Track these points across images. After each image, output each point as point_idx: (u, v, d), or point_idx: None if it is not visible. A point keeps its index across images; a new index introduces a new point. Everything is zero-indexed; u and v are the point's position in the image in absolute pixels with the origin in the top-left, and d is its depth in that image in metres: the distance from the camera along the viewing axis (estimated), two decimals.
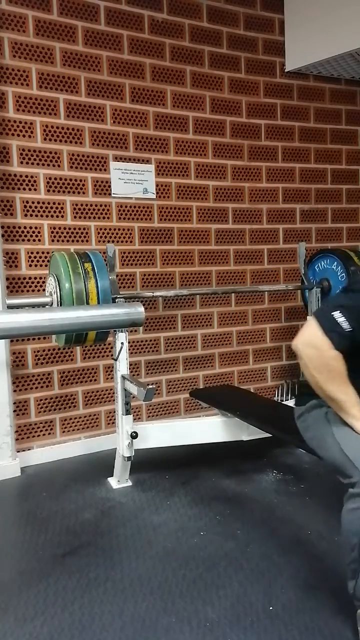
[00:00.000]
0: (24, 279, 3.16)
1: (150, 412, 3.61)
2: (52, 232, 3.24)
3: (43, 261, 3.19)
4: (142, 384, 2.51)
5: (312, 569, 2.05)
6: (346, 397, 1.66)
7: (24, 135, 3.13)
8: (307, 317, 3.51)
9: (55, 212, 3.24)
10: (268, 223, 3.97)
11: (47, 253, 3.15)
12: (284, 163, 3.99)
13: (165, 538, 2.30)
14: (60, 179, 3.25)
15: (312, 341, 1.67)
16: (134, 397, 2.64)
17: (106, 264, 2.76)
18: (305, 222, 4.06)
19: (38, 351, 3.23)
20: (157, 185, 3.55)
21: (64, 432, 3.33)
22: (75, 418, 3.37)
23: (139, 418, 3.54)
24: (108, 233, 3.42)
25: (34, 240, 3.19)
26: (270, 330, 3.99)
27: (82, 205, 3.32)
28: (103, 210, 3.40)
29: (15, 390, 3.14)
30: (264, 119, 3.90)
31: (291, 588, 1.93)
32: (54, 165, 3.23)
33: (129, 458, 2.72)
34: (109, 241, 3.36)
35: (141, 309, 2.64)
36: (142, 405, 3.56)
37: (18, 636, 1.72)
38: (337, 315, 1.64)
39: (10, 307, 2.82)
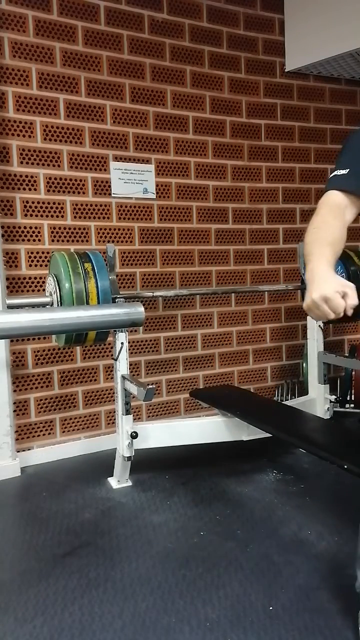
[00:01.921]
0: (24, 279, 3.16)
1: (150, 412, 3.61)
2: (52, 232, 3.24)
3: (43, 261, 3.19)
4: (142, 384, 2.51)
5: (312, 569, 2.05)
6: (315, 238, 1.44)
7: (24, 135, 3.13)
8: (307, 317, 3.52)
9: (55, 212, 3.24)
10: (268, 223, 3.97)
11: (47, 253, 3.15)
12: (284, 163, 3.99)
13: (165, 538, 2.30)
14: (60, 179, 3.25)
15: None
16: (134, 397, 2.64)
17: (106, 264, 2.76)
18: (305, 222, 4.03)
19: (38, 351, 3.23)
20: (157, 185, 3.55)
21: (64, 432, 3.33)
22: (75, 418, 3.37)
23: (139, 418, 3.54)
24: (108, 233, 3.42)
25: (34, 240, 3.19)
26: (270, 330, 3.99)
27: (82, 205, 3.32)
28: (103, 210, 3.40)
29: (15, 390, 3.14)
30: (264, 119, 3.90)
31: (291, 588, 1.93)
32: (54, 165, 3.23)
33: (129, 458, 2.72)
34: (109, 241, 3.36)
35: (141, 309, 2.64)
36: (142, 405, 3.56)
37: (18, 636, 1.72)
38: (333, 172, 1.55)
39: (10, 307, 2.82)
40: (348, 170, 1.50)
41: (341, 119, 4.14)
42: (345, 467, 2.07)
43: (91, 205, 3.36)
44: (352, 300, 1.28)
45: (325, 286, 1.29)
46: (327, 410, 3.41)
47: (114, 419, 3.05)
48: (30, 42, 3.11)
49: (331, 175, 1.53)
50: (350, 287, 1.29)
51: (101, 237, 3.39)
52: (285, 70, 3.92)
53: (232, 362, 3.88)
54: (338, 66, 3.82)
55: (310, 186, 4.07)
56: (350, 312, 1.30)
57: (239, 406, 2.96)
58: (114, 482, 2.85)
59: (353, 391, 3.81)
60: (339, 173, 1.52)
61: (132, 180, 3.46)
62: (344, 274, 3.40)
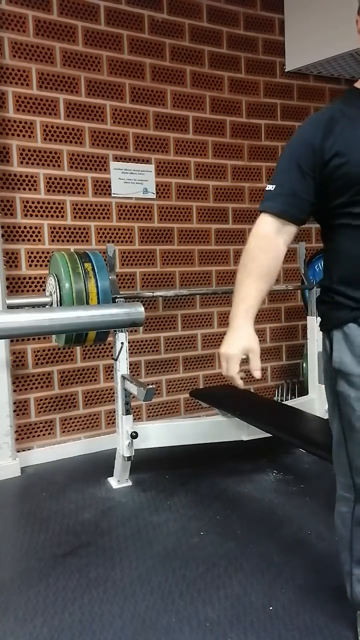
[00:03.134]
0: (24, 279, 3.16)
1: (150, 412, 3.61)
2: (52, 232, 3.24)
3: (43, 261, 3.19)
4: (142, 384, 2.51)
5: (312, 569, 2.05)
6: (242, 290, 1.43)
7: (24, 135, 3.13)
8: (307, 317, 3.52)
9: (55, 212, 3.24)
10: None
11: (47, 253, 3.15)
12: None
13: (165, 538, 2.30)
14: (60, 179, 3.25)
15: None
16: (134, 397, 2.64)
17: (106, 264, 2.76)
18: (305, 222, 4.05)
19: (38, 351, 3.23)
20: (157, 185, 3.55)
21: (64, 432, 3.33)
22: (75, 418, 3.37)
23: (139, 418, 3.54)
24: (108, 233, 3.42)
25: (34, 240, 3.19)
26: (270, 330, 3.99)
27: (82, 205, 3.32)
28: (103, 210, 3.40)
29: (15, 390, 3.14)
30: (264, 119, 3.90)
31: (291, 588, 1.93)
32: (54, 165, 3.23)
33: (129, 458, 2.72)
34: (109, 241, 3.36)
35: (141, 309, 2.64)
36: (142, 405, 3.56)
37: (18, 636, 1.72)
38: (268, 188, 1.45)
39: (10, 307, 2.82)
40: (274, 187, 1.42)
41: None
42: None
43: (91, 205, 3.36)
44: (253, 365, 1.39)
45: (232, 346, 1.39)
46: (327, 411, 3.41)
47: (114, 419, 3.05)
48: (30, 42, 3.11)
49: (266, 189, 1.45)
50: (253, 352, 1.37)
51: (101, 237, 3.39)
52: (285, 70, 3.93)
53: None
54: (338, 66, 3.82)
55: None
56: (256, 375, 1.38)
57: (239, 406, 2.96)
58: (114, 482, 2.85)
59: None
60: (269, 188, 1.44)
61: (132, 180, 3.46)
62: None
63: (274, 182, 1.44)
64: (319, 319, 1.55)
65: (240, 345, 1.39)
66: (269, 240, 1.43)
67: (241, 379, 1.45)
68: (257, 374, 1.38)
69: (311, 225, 4.10)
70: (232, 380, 1.41)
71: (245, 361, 1.41)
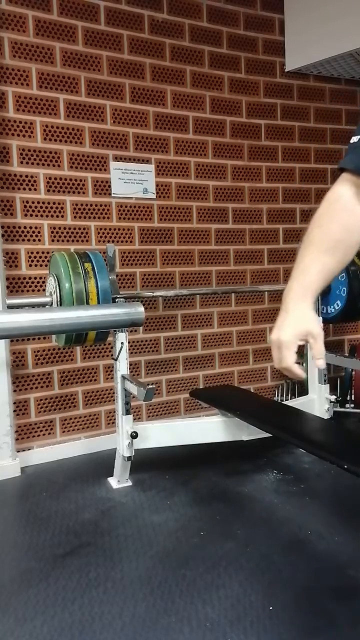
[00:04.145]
0: (24, 279, 3.16)
1: (150, 412, 3.61)
2: (52, 232, 3.24)
3: (43, 261, 3.19)
4: (142, 384, 2.51)
5: (312, 569, 2.05)
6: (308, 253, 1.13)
7: (24, 135, 3.13)
8: None
9: (55, 212, 3.24)
10: (268, 223, 3.97)
11: (47, 253, 3.15)
12: (284, 163, 3.99)
13: (165, 538, 2.30)
14: (60, 179, 3.25)
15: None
16: (134, 397, 2.64)
17: (106, 264, 2.76)
18: (305, 222, 4.04)
19: (38, 351, 3.23)
20: (157, 185, 3.55)
21: (64, 432, 3.33)
22: (75, 418, 3.37)
23: (139, 418, 3.54)
24: (108, 233, 3.42)
25: (34, 240, 3.19)
26: (270, 330, 3.98)
27: (82, 205, 3.32)
28: (103, 210, 3.40)
29: (15, 390, 3.14)
30: (264, 119, 3.90)
31: (291, 588, 1.93)
32: (54, 165, 3.23)
33: (129, 458, 2.72)
34: (109, 241, 3.36)
35: (141, 309, 2.64)
36: (142, 405, 3.56)
37: (18, 636, 1.72)
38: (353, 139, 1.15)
39: (10, 307, 2.82)
40: (359, 137, 1.12)
41: (341, 119, 4.14)
42: (345, 467, 2.07)
43: (91, 205, 3.36)
44: (316, 351, 1.09)
45: (286, 330, 1.10)
46: (327, 410, 3.41)
47: (114, 419, 3.05)
48: (30, 42, 3.11)
49: (350, 142, 1.15)
50: (314, 336, 1.09)
51: (101, 237, 3.39)
52: (285, 70, 3.92)
53: (232, 362, 3.88)
54: (338, 66, 3.82)
55: (310, 186, 4.07)
56: (320, 364, 1.10)
57: (239, 406, 2.96)
58: (114, 482, 2.85)
59: (353, 391, 3.81)
60: (353, 140, 1.14)
61: (132, 180, 3.46)
62: (343, 274, 3.40)
63: (358, 132, 1.13)
64: None
65: (296, 328, 1.10)
66: (342, 205, 1.11)
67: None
68: (321, 363, 1.10)
69: None
70: (289, 372, 1.12)
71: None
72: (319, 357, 1.09)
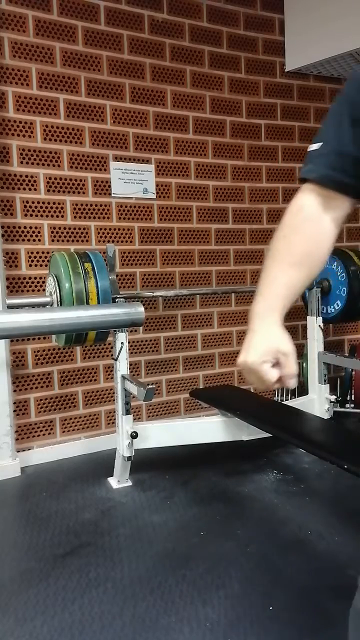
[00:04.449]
0: (24, 279, 3.16)
1: (150, 412, 3.61)
2: (52, 232, 3.24)
3: (43, 261, 3.19)
4: (142, 384, 2.51)
5: (312, 569, 2.05)
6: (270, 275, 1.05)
7: (24, 135, 3.13)
8: (307, 317, 3.52)
9: (55, 212, 3.24)
10: (268, 223, 3.97)
11: (47, 253, 3.15)
12: (284, 163, 3.99)
13: (165, 538, 2.30)
14: (60, 179, 3.25)
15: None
16: (134, 397, 2.64)
17: (106, 264, 2.76)
18: None
19: (38, 351, 3.23)
20: (157, 185, 3.55)
21: (64, 432, 3.33)
22: (75, 418, 3.37)
23: (139, 418, 3.54)
24: (108, 233, 3.42)
25: (34, 240, 3.19)
26: None
27: (82, 205, 3.32)
28: (103, 210, 3.40)
29: (15, 390, 3.14)
30: (264, 119, 3.90)
31: (291, 588, 1.93)
32: (54, 165, 3.23)
33: (129, 458, 2.72)
34: (109, 241, 3.36)
35: (141, 309, 2.64)
36: (142, 405, 3.56)
37: (18, 636, 1.72)
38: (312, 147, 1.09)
39: (10, 307, 2.82)
40: (319, 145, 1.06)
41: None
42: (345, 467, 2.07)
43: (91, 205, 3.36)
44: (287, 370, 1.00)
45: (252, 352, 1.01)
46: (327, 410, 3.41)
47: (114, 419, 3.05)
48: (30, 42, 3.11)
49: (309, 150, 1.09)
50: (285, 354, 1.00)
51: (101, 237, 3.39)
52: (285, 70, 3.92)
53: (232, 362, 3.87)
54: (338, 66, 3.82)
55: None
56: (290, 384, 1.01)
57: (239, 406, 2.96)
58: (114, 482, 2.85)
59: (353, 391, 3.80)
60: (312, 147, 1.08)
61: (132, 180, 3.46)
62: (344, 274, 3.40)
63: (318, 139, 1.08)
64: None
65: (264, 348, 1.02)
66: (306, 215, 1.06)
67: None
68: (291, 382, 1.01)
69: None
70: (269, 386, 1.03)
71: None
72: (290, 377, 1.01)
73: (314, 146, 1.07)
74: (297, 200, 1.08)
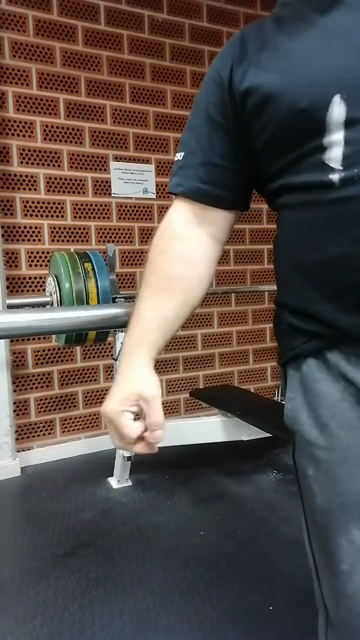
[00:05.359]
0: (24, 279, 3.16)
1: None
2: (52, 232, 3.24)
3: (43, 261, 3.19)
4: None
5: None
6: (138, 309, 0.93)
7: (24, 135, 3.13)
8: None
9: (55, 212, 3.24)
10: (268, 223, 3.97)
11: (47, 253, 3.15)
12: None
13: (165, 538, 2.30)
14: (60, 179, 3.25)
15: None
16: None
17: (106, 264, 2.76)
18: None
19: (38, 351, 3.23)
20: (157, 185, 3.55)
21: (64, 432, 3.33)
22: (75, 418, 3.37)
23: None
24: (108, 233, 3.42)
25: (34, 240, 3.19)
26: (270, 330, 3.99)
27: (82, 205, 3.32)
28: (103, 210, 3.40)
29: (15, 390, 3.14)
30: None
31: (291, 588, 1.93)
32: (54, 165, 3.23)
33: (129, 458, 2.72)
34: (109, 241, 3.36)
35: None
36: None
37: (18, 636, 1.72)
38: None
39: (10, 307, 2.82)
40: (182, 154, 0.93)
41: None
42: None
43: (91, 205, 3.36)
44: (149, 420, 0.84)
45: (110, 399, 0.87)
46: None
47: None
48: (30, 42, 3.11)
49: (175, 159, 0.96)
50: (145, 399, 0.84)
51: (101, 237, 3.39)
52: None
53: (232, 362, 3.88)
54: None
55: None
56: (155, 437, 0.86)
57: (239, 406, 2.96)
58: (114, 482, 2.85)
59: None
60: (177, 157, 0.95)
61: (132, 180, 3.46)
62: None
63: (181, 148, 0.94)
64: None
65: (123, 394, 0.86)
66: (173, 235, 0.92)
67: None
68: (158, 434, 0.85)
69: None
70: (128, 440, 0.87)
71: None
72: (154, 428, 0.85)
73: (179, 155, 0.94)
74: (166, 218, 0.95)
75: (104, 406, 0.87)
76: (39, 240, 3.20)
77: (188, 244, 0.91)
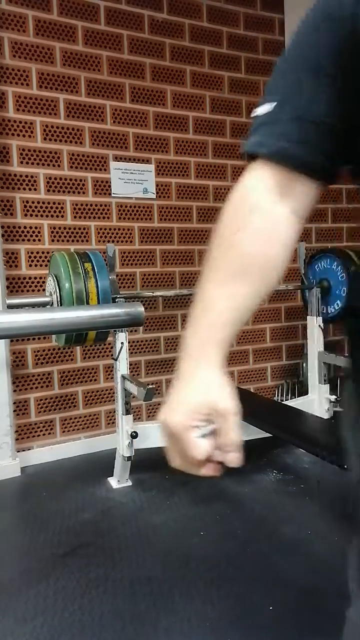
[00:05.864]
0: (24, 279, 3.16)
1: (150, 412, 3.61)
2: (52, 232, 3.24)
3: (43, 261, 3.19)
4: (142, 384, 2.51)
5: (312, 569, 2.04)
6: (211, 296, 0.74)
7: (24, 135, 3.13)
8: (307, 317, 3.52)
9: (55, 212, 3.24)
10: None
11: (47, 253, 3.15)
12: None
13: (165, 538, 2.30)
14: (60, 178, 3.25)
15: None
16: (134, 397, 2.64)
17: (106, 264, 2.76)
18: (305, 222, 4.04)
19: (38, 351, 3.22)
20: (157, 185, 3.55)
21: (64, 432, 3.33)
22: (75, 418, 3.37)
23: (139, 418, 3.54)
24: (108, 233, 3.42)
25: (34, 240, 3.19)
26: (270, 330, 3.99)
27: (82, 205, 3.32)
28: (103, 210, 3.40)
29: (15, 390, 3.14)
30: None
31: (291, 588, 1.93)
32: (54, 165, 3.23)
33: (129, 458, 2.72)
34: (109, 241, 3.36)
35: (141, 308, 2.64)
36: (142, 405, 3.56)
37: (18, 636, 1.72)
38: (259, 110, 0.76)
39: (10, 307, 2.82)
40: (272, 106, 0.73)
41: None
42: (345, 467, 2.07)
43: (91, 205, 3.36)
44: (224, 440, 0.70)
45: (176, 409, 0.71)
46: (327, 410, 3.41)
47: (114, 419, 3.05)
48: (30, 42, 3.11)
49: (254, 114, 0.77)
50: (223, 414, 0.69)
51: (101, 237, 3.39)
52: None
53: (232, 362, 3.87)
54: None
55: None
56: (232, 461, 0.73)
57: (238, 406, 2.95)
58: (114, 482, 2.85)
59: None
60: (259, 111, 0.76)
61: (132, 180, 3.46)
62: (343, 274, 3.40)
63: (268, 99, 0.75)
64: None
65: (192, 404, 0.70)
66: (252, 207, 0.73)
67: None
68: (233, 457, 0.73)
69: (311, 225, 4.11)
70: (195, 461, 0.74)
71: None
72: (229, 449, 0.71)
73: (263, 108, 0.74)
74: (240, 187, 0.76)
75: (167, 418, 0.71)
76: (39, 240, 3.20)
77: (270, 220, 0.73)
